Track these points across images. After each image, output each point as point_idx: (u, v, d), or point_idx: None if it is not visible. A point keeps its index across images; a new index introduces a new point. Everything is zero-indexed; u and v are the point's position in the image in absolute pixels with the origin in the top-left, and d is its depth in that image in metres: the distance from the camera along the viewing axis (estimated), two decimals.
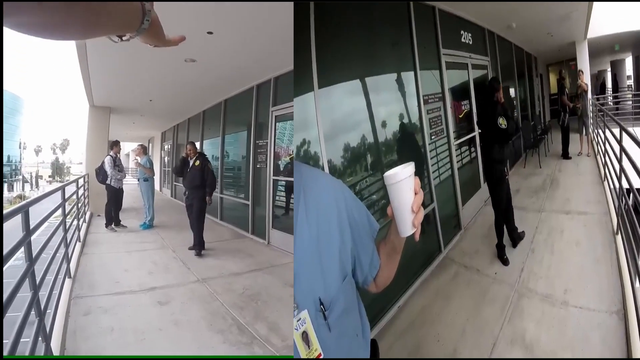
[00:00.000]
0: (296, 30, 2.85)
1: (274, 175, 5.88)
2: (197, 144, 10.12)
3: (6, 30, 0.49)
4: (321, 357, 1.01)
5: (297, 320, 0.99)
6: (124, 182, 7.15)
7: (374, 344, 1.24)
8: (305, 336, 1.00)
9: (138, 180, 7.50)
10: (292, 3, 2.87)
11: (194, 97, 8.35)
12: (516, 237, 4.16)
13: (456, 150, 4.92)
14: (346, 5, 3.32)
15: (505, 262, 3.85)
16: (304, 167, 1.13)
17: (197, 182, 5.28)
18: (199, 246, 5.21)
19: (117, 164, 6.79)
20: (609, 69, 15.69)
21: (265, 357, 2.57)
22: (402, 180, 0.94)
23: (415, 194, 0.95)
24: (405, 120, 3.98)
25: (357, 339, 1.15)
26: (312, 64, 2.93)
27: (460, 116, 5.33)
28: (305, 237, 1.02)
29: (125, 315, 3.24)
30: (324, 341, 1.01)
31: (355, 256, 1.12)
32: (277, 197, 5.86)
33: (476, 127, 5.54)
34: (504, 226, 4.09)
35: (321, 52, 2.96)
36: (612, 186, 4.56)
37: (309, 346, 1.00)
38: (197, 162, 5.33)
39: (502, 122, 3.88)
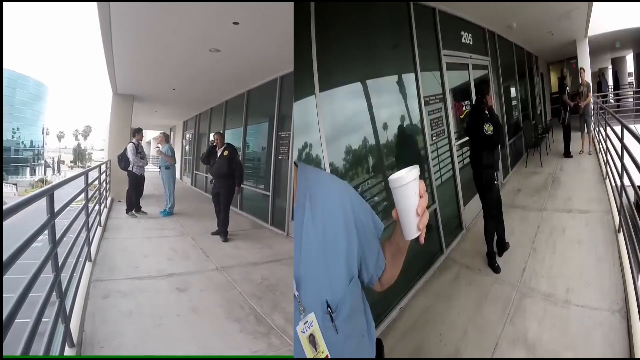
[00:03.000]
0: (296, 33, 2.87)
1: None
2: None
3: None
4: (328, 358, 1.02)
5: (304, 323, 1.00)
6: (145, 170, 7.18)
7: (378, 343, 1.25)
8: (312, 339, 1.01)
9: (159, 168, 7.51)
10: (292, 3, 2.88)
11: (217, 87, 8.35)
12: (504, 246, 4.05)
13: (457, 150, 4.94)
14: (346, 8, 3.34)
15: (496, 269, 3.76)
16: (309, 169, 1.13)
17: (225, 172, 5.43)
18: (224, 233, 5.38)
19: (139, 151, 6.83)
20: (610, 67, 15.63)
21: (265, 357, 2.58)
22: (407, 183, 0.95)
23: (420, 197, 0.96)
24: (407, 122, 4.00)
25: (363, 339, 1.16)
26: (313, 67, 2.95)
27: (462, 117, 5.34)
28: (312, 239, 1.03)
29: (143, 299, 3.26)
30: (331, 343, 1.02)
31: (361, 257, 1.13)
32: None
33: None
34: (494, 233, 3.98)
35: (322, 55, 2.98)
36: (613, 184, 4.56)
37: (316, 349, 1.01)
38: (226, 152, 5.49)
39: (487, 128, 3.80)
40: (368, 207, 1.17)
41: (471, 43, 5.80)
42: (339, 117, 3.22)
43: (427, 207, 0.98)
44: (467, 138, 5.33)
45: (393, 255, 1.17)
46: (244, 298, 3.41)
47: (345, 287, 1.06)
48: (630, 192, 3.39)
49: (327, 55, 3.04)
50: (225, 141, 5.73)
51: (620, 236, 3.69)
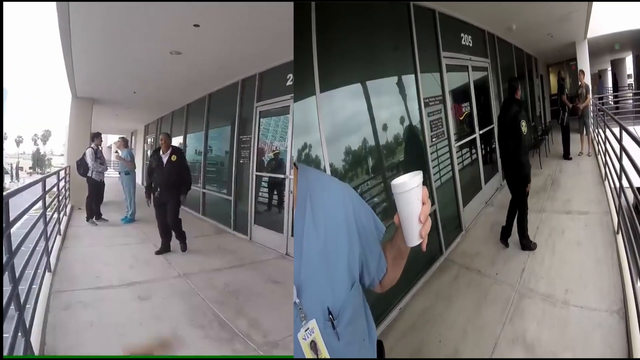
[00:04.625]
0: (296, 34, 2.88)
1: (257, 171, 5.86)
2: (180, 138, 9.74)
3: None
4: None
5: (305, 330, 0.98)
6: (105, 175, 7.02)
7: (379, 345, 1.24)
8: (313, 345, 0.99)
9: (119, 174, 7.36)
10: (292, 3, 2.88)
11: (178, 90, 8.24)
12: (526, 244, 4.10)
13: (457, 152, 4.95)
14: (346, 9, 3.35)
15: (507, 244, 4.09)
16: (310, 171, 1.11)
17: (174, 180, 4.75)
18: (183, 242, 4.91)
19: (98, 156, 6.65)
20: (610, 68, 15.67)
21: (266, 357, 2.58)
22: (411, 189, 0.93)
23: (423, 204, 0.95)
24: (406, 123, 4.01)
25: (364, 343, 1.15)
26: (314, 68, 2.96)
27: (461, 118, 5.36)
28: (313, 244, 1.01)
29: (105, 310, 3.21)
30: (333, 349, 1.01)
31: (362, 261, 1.11)
32: (259, 193, 5.84)
33: (477, 128, 5.57)
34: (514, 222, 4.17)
35: (322, 56, 2.99)
36: (612, 186, 4.57)
37: (317, 355, 1.00)
38: (174, 157, 4.79)
39: (524, 124, 3.99)
40: (369, 209, 1.15)
41: (471, 45, 5.82)
42: (338, 117, 3.23)
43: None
44: (466, 140, 5.38)
45: (394, 259, 1.15)
46: (207, 304, 3.39)
47: (347, 292, 1.04)
48: (629, 194, 3.42)
49: (327, 56, 3.05)
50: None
51: (619, 238, 3.70)
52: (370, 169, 3.47)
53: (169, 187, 4.75)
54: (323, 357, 1.00)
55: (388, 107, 3.80)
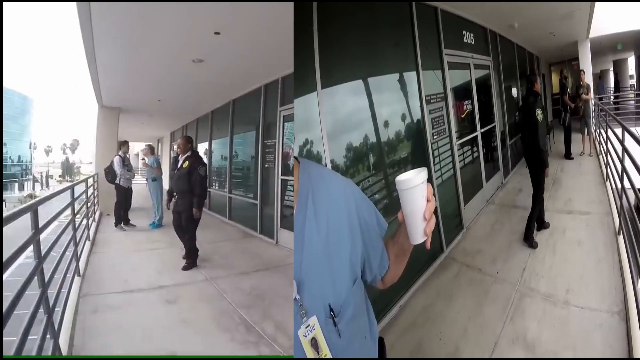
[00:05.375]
0: (297, 31, 2.86)
1: (282, 175, 5.86)
2: (205, 144, 9.89)
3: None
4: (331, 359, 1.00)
5: (306, 327, 0.97)
6: (133, 182, 7.18)
7: (380, 341, 1.23)
8: (314, 342, 0.98)
9: (147, 180, 7.51)
10: (291, 3, 2.87)
11: (202, 97, 8.37)
12: (544, 222, 4.44)
13: (458, 150, 4.93)
14: (348, 6, 3.33)
15: (534, 245, 4.08)
16: (312, 166, 1.09)
17: (184, 187, 4.42)
18: (190, 264, 4.51)
19: (125, 163, 6.83)
20: (612, 69, 15.63)
21: (266, 357, 2.57)
22: (415, 186, 0.91)
23: (428, 201, 0.93)
24: (408, 120, 3.99)
25: (366, 340, 1.14)
26: (315, 65, 2.94)
27: (463, 116, 5.34)
28: (314, 240, 0.99)
29: (133, 313, 3.26)
30: (334, 346, 1.00)
31: (365, 257, 1.10)
32: (285, 197, 5.86)
33: (479, 126, 5.55)
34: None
35: (324, 52, 2.98)
36: (614, 186, 4.56)
37: (318, 352, 0.99)
38: (186, 164, 4.46)
39: (539, 113, 4.19)
40: (372, 205, 1.14)
41: (473, 43, 5.80)
42: (340, 114, 3.22)
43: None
44: (468, 137, 5.36)
45: (397, 256, 1.14)
46: (234, 308, 3.41)
47: (349, 289, 1.03)
48: (631, 195, 3.40)
49: (329, 53, 3.03)
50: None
51: (620, 238, 3.69)
52: (372, 165, 3.46)
53: (181, 194, 4.51)
54: (324, 355, 0.99)
55: (389, 104, 3.78)
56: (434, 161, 4.32)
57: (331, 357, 1.00)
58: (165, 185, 6.98)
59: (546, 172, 4.30)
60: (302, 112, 2.99)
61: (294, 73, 2.97)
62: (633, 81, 15.24)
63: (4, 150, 57.36)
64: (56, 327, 2.36)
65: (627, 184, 3.60)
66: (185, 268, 4.45)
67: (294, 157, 1.11)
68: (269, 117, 6.45)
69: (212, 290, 3.86)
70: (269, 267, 4.68)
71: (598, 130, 7.57)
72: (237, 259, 5.05)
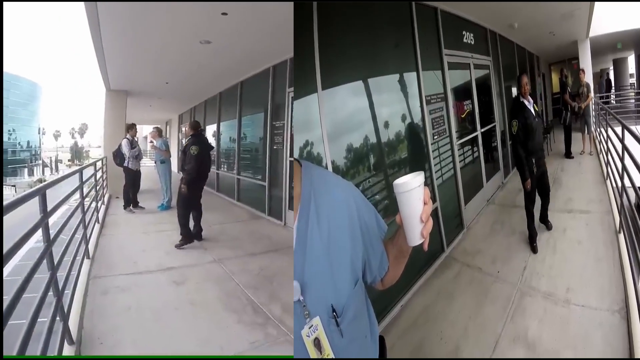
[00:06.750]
0: (297, 31, 2.87)
1: (290, 157, 5.82)
2: (214, 126, 9.96)
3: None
4: (333, 359, 1.02)
5: (309, 327, 0.99)
6: (141, 164, 7.21)
7: (381, 340, 1.25)
8: (317, 342, 1.00)
9: (155, 163, 7.55)
10: (291, 3, 2.88)
11: (210, 79, 8.34)
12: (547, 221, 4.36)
13: (458, 150, 4.94)
14: (348, 7, 3.34)
15: (535, 249, 3.98)
16: (314, 168, 1.10)
17: (181, 166, 4.82)
18: (181, 236, 4.65)
19: (134, 146, 6.86)
20: (612, 68, 15.63)
21: (266, 357, 2.58)
22: (412, 189, 0.93)
23: (425, 204, 0.95)
24: (408, 121, 4.00)
25: (367, 340, 1.16)
26: (315, 65, 2.95)
27: (463, 116, 5.35)
28: (317, 243, 1.01)
29: (142, 294, 3.29)
30: (336, 346, 1.02)
31: (365, 259, 1.12)
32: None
33: (479, 126, 5.56)
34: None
35: (324, 53, 2.98)
36: (614, 185, 4.56)
37: (320, 352, 1.01)
38: (186, 145, 4.79)
39: (514, 125, 4.01)
40: (372, 208, 1.16)
41: (473, 43, 5.81)
42: (340, 115, 3.22)
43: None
44: (468, 137, 5.37)
45: (396, 257, 1.16)
46: (242, 289, 3.43)
47: (351, 290, 1.05)
48: (631, 193, 3.40)
49: (329, 53, 3.04)
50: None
51: (621, 237, 3.69)
52: (372, 166, 3.46)
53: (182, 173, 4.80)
54: (327, 355, 1.01)
55: (390, 105, 3.79)
56: (434, 161, 4.33)
57: (334, 357, 1.02)
58: (174, 168, 7.04)
59: (525, 185, 4.05)
60: (302, 113, 3.00)
61: (294, 73, 2.97)
62: (633, 80, 15.24)
63: (14, 136, 58.17)
64: (65, 310, 2.38)
65: (627, 183, 3.60)
66: (177, 245, 4.60)
67: (295, 159, 1.13)
68: (277, 98, 6.45)
69: (220, 272, 3.88)
70: (277, 248, 4.71)
71: (598, 129, 7.57)
72: (245, 240, 5.07)
